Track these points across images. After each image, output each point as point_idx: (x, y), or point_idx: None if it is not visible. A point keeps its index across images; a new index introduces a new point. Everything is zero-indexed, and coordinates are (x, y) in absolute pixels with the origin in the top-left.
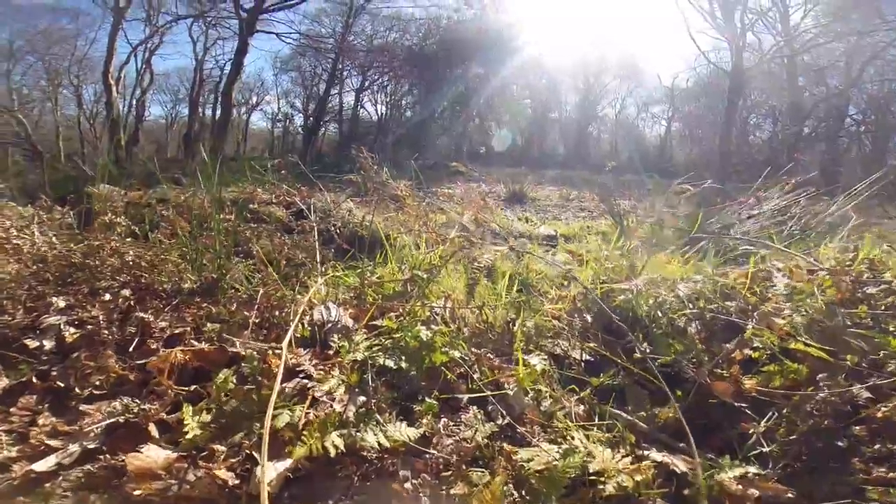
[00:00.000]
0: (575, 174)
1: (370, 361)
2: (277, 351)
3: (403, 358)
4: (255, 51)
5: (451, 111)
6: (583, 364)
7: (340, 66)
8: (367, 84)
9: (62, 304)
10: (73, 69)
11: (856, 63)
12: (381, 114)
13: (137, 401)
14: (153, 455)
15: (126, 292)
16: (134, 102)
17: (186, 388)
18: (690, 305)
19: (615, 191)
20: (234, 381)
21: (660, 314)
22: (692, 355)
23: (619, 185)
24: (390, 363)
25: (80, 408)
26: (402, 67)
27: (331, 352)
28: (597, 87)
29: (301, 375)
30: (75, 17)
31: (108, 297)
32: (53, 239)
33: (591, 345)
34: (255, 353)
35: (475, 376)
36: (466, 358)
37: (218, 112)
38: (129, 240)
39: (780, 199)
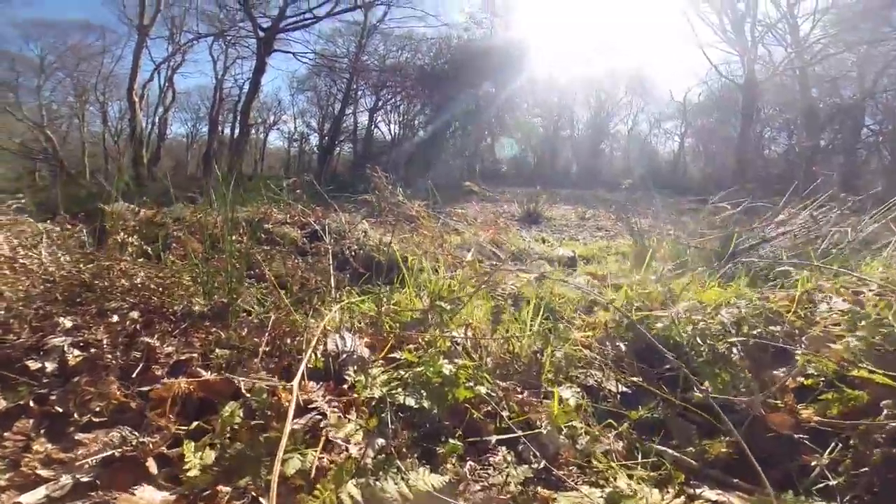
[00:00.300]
0: (589, 192)
1: (388, 399)
2: (288, 386)
3: (424, 394)
4: (273, 70)
5: (463, 130)
6: (619, 396)
7: (354, 86)
8: (380, 104)
9: (69, 324)
10: (99, 86)
11: (869, 73)
12: (395, 133)
13: (136, 433)
14: (147, 497)
15: (134, 314)
16: (157, 120)
17: (187, 427)
18: (733, 331)
19: (633, 209)
20: (241, 415)
21: (699, 341)
22: (741, 384)
23: (635, 203)
24: (411, 402)
25: (77, 436)
26: (414, 87)
27: (346, 386)
28: (609, 104)
29: (314, 412)
30: (102, 35)
31: (115, 318)
32: (62, 258)
33: (627, 375)
34: (264, 385)
35: (503, 414)
36: (493, 393)
37: (236, 130)
38: (140, 260)
39: (810, 215)
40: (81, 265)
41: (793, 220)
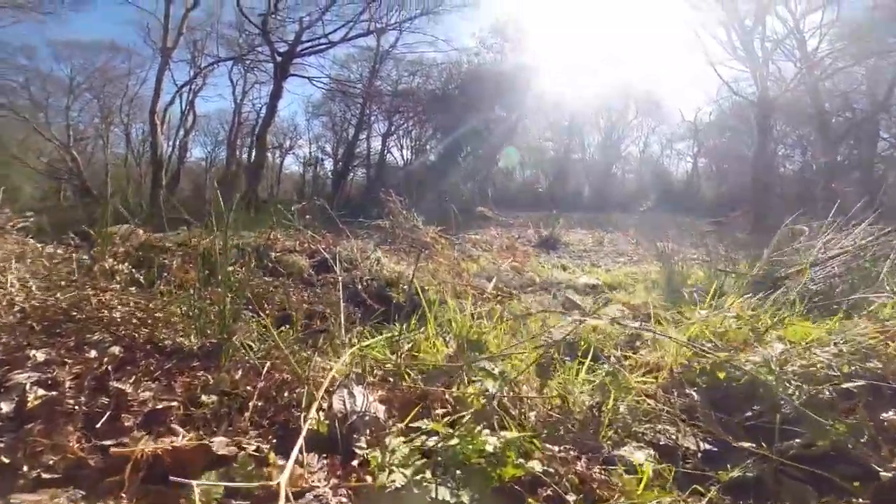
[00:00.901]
0: (602, 216)
1: (414, 487)
2: (280, 463)
3: (460, 475)
4: (289, 95)
5: (474, 154)
6: (700, 454)
7: (368, 112)
8: (393, 129)
9: (41, 357)
10: (123, 108)
11: (881, 86)
12: (407, 158)
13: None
14: None
15: (116, 349)
16: (177, 143)
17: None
18: (836, 372)
19: (653, 233)
20: (220, 495)
21: (793, 384)
22: (855, 432)
23: (654, 227)
24: (445, 494)
25: (16, 497)
26: (426, 112)
27: (356, 462)
28: (620, 126)
29: (313, 500)
30: (129, 57)
31: (94, 353)
32: (33, 287)
33: (705, 428)
34: (250, 453)
35: (570, 500)
36: (550, 470)
37: (254, 154)
38: (132, 289)
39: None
40: (59, 294)
41: (842, 242)
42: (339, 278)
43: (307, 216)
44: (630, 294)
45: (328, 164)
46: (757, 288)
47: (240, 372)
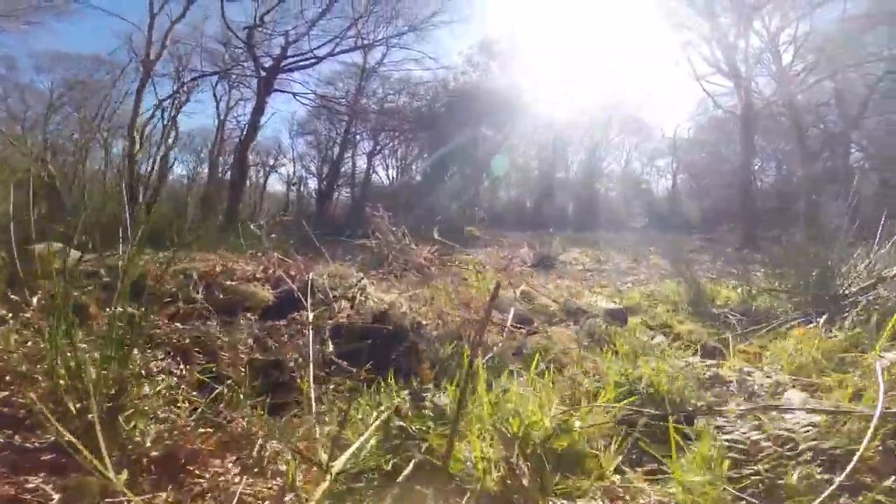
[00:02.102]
0: (591, 234)
1: None
2: None
3: None
4: (273, 112)
5: (461, 174)
6: None
7: (353, 129)
8: (378, 148)
9: None
10: (104, 123)
11: (853, 98)
12: (392, 178)
13: None
14: None
15: None
16: (157, 159)
17: None
18: None
19: (646, 251)
20: None
21: None
22: None
23: (646, 244)
24: None
25: None
26: (412, 130)
27: None
28: (602, 144)
29: None
30: (112, 70)
31: None
32: None
33: None
34: None
35: None
36: None
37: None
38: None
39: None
40: None
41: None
42: (309, 315)
43: (279, 236)
44: (648, 316)
45: (312, 184)
46: (807, 307)
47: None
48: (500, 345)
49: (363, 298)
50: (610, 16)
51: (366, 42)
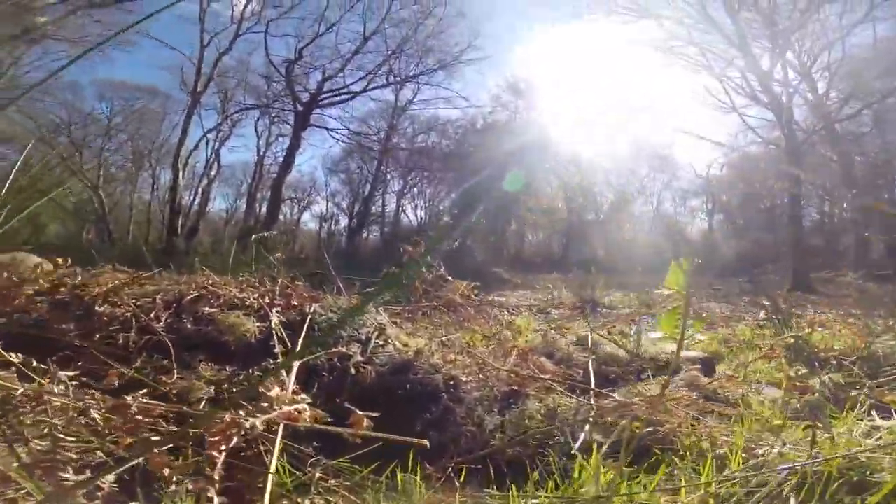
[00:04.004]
0: (629, 278)
1: None
2: None
3: None
4: (309, 149)
5: (488, 215)
6: None
7: (384, 168)
8: (408, 188)
9: None
10: (154, 153)
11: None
12: (421, 218)
13: None
14: None
15: None
16: (199, 191)
17: None
18: None
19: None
20: None
21: None
22: None
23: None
24: None
25: None
26: (441, 170)
27: None
28: (632, 183)
29: None
30: (164, 101)
31: None
32: None
33: None
34: None
35: None
36: None
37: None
38: None
39: None
40: None
41: None
42: (294, 362)
43: (299, 270)
44: (742, 365)
45: (343, 221)
46: None
47: None
48: (581, 415)
49: (381, 343)
50: (637, 52)
51: (398, 78)
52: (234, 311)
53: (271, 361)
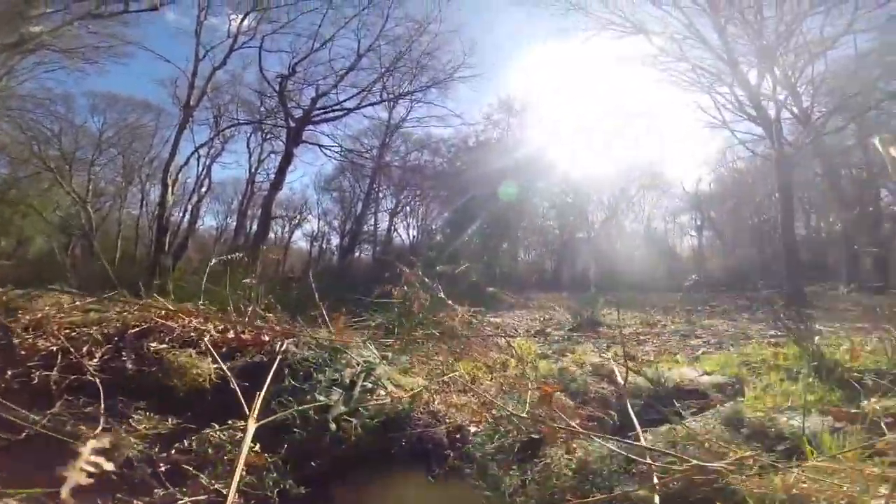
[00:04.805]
0: (623, 295)
1: None
2: None
3: None
4: (301, 167)
5: (481, 234)
6: None
7: (376, 186)
8: (400, 206)
9: None
10: (144, 168)
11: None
12: (413, 237)
13: None
14: None
15: None
16: (189, 208)
17: None
18: None
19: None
20: None
21: None
22: None
23: (693, 304)
24: None
25: None
26: (433, 188)
27: None
28: (622, 201)
29: None
30: (157, 116)
31: None
32: None
33: None
34: None
35: None
36: None
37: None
38: None
39: None
40: None
41: None
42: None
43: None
44: (768, 386)
45: (335, 240)
46: None
47: None
48: (618, 464)
49: (370, 385)
50: (628, 69)
51: (391, 96)
52: (187, 348)
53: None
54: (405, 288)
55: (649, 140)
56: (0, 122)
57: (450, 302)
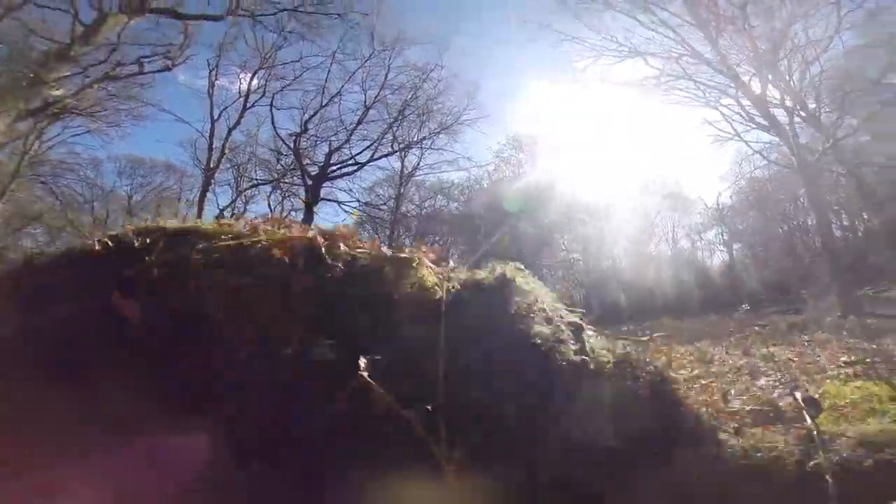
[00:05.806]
0: (658, 323)
1: None
2: None
3: None
4: (322, 222)
5: None
6: None
7: (396, 235)
8: None
9: None
10: None
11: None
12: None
13: None
14: None
15: None
16: None
17: None
18: None
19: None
20: None
21: None
22: None
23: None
24: None
25: None
26: (451, 232)
27: None
28: (645, 226)
29: None
30: (180, 179)
31: None
32: None
33: None
34: None
35: None
36: None
37: None
38: None
39: None
40: None
41: None
42: None
43: None
44: None
45: None
46: None
47: None
48: None
49: None
50: (633, 93)
51: (402, 145)
52: None
53: None
54: None
55: (664, 160)
56: (34, 189)
57: None
